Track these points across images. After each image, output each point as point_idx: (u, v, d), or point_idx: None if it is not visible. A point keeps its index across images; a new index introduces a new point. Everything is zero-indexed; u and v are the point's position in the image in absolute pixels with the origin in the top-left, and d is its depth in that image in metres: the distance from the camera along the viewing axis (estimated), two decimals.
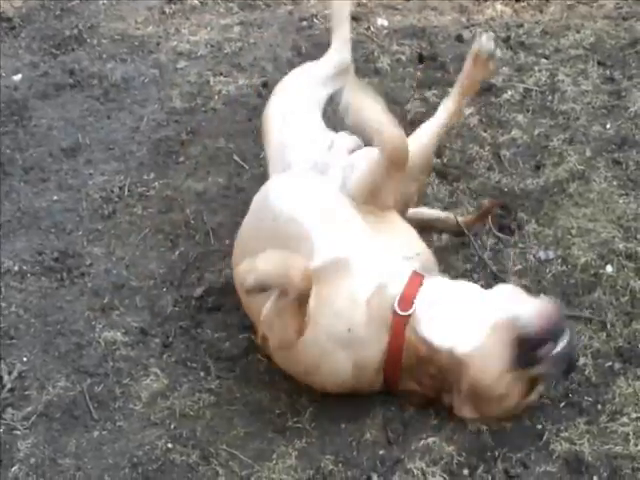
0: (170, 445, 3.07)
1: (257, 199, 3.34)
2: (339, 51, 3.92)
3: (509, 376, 2.87)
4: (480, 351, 2.88)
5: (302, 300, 2.90)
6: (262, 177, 3.72)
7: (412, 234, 3.26)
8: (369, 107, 3.22)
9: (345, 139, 3.48)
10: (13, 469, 3.03)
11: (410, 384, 3.03)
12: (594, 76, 4.38)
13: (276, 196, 3.24)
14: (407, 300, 2.95)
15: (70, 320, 3.53)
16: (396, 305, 2.95)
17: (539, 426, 3.02)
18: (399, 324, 2.94)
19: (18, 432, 3.14)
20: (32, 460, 3.05)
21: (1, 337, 3.46)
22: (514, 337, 2.85)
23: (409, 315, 2.94)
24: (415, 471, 2.92)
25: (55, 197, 4.10)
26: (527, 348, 2.85)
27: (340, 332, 2.96)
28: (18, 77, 4.83)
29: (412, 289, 2.98)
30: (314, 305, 2.94)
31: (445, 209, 3.82)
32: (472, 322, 2.92)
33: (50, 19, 5.24)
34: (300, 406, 3.15)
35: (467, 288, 3.08)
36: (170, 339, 3.43)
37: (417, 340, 2.94)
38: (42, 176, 4.20)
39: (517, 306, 2.91)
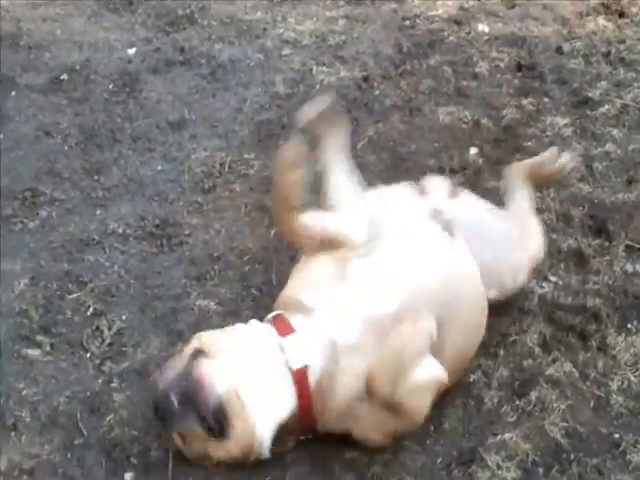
0: None
1: None
2: None
3: None
4: None
5: None
6: (356, 166, 3.63)
7: None
8: None
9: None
10: (108, 418, 3.01)
11: None
12: None
13: None
14: None
15: (167, 285, 3.50)
16: None
17: (616, 435, 2.92)
18: None
19: (114, 385, 3.13)
20: (125, 413, 3.03)
21: (103, 294, 3.45)
22: None
23: None
24: (490, 464, 2.85)
25: (159, 167, 4.08)
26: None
27: None
28: (132, 51, 4.84)
29: None
30: None
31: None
32: None
33: None
34: None
35: None
36: (261, 313, 3.39)
37: None
38: (149, 146, 4.19)
39: None
